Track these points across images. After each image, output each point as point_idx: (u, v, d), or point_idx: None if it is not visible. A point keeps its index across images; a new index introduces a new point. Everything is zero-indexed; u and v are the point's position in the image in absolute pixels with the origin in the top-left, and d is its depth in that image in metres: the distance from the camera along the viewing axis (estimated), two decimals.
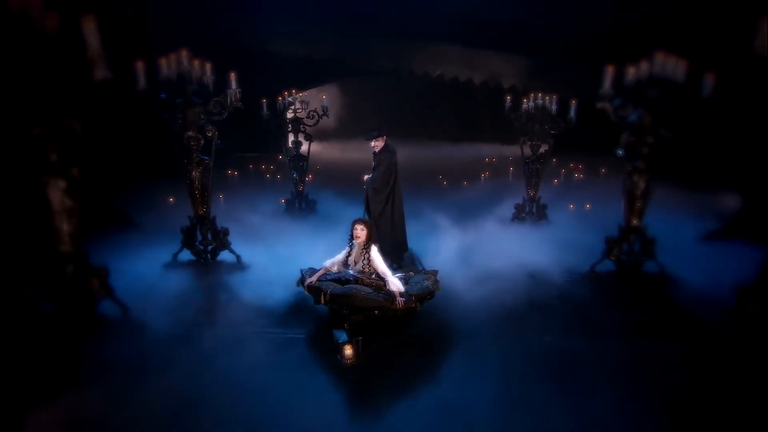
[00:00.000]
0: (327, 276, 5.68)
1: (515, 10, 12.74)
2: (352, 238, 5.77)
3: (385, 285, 5.47)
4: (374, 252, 5.67)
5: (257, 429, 4.04)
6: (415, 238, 7.71)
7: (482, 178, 14.48)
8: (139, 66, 6.51)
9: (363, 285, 5.44)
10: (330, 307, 5.43)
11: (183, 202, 8.07)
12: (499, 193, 11.46)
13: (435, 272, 6.11)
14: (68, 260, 5.62)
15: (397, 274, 5.89)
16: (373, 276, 5.59)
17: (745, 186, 8.65)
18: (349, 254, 5.82)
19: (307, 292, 5.62)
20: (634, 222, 7.14)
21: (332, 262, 5.84)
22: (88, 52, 4.96)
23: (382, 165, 6.97)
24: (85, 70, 5.03)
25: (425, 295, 5.59)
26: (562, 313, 6.13)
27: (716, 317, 5.71)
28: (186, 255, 7.69)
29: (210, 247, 7.68)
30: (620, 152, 6.89)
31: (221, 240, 7.68)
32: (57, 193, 5.43)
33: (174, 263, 7.62)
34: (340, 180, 12.50)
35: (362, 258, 5.68)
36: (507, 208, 10.17)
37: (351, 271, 5.69)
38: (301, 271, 6.01)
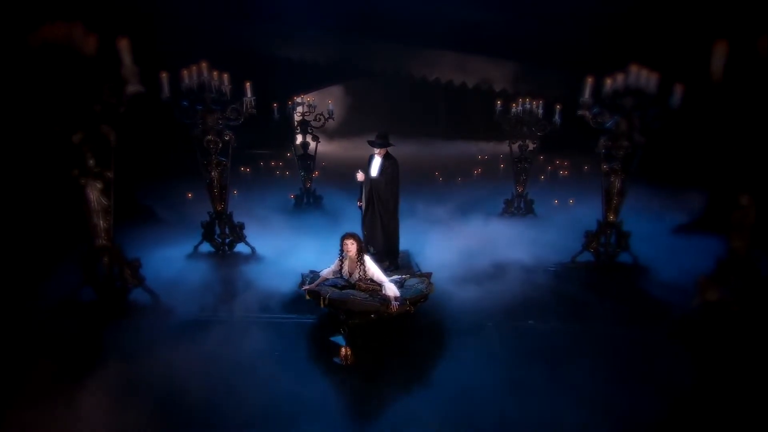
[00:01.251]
0: (326, 282, 5.66)
1: (505, 20, 12.94)
2: (342, 251, 5.63)
3: (381, 290, 5.43)
4: (368, 261, 5.61)
5: (266, 409, 4.23)
6: (410, 233, 7.84)
7: (475, 174, 14.71)
8: (163, 77, 6.75)
9: (360, 290, 5.45)
10: (329, 310, 5.45)
11: (201, 199, 8.28)
12: (490, 189, 11.68)
13: (429, 275, 6.16)
14: (104, 253, 5.89)
15: (394, 277, 5.88)
16: (369, 281, 5.54)
17: (711, 185, 8.87)
18: (341, 266, 5.70)
19: (307, 297, 5.55)
20: (611, 217, 7.36)
21: (327, 271, 5.75)
22: (123, 69, 5.24)
23: (390, 168, 6.77)
24: (120, 85, 5.30)
25: (419, 299, 5.55)
26: (545, 299, 6.36)
27: (681, 304, 5.85)
28: (206, 247, 7.91)
29: (227, 240, 7.91)
30: (603, 150, 7.10)
31: (237, 233, 7.91)
32: (94, 194, 5.71)
33: (195, 254, 7.84)
34: (344, 176, 12.65)
35: (357, 269, 5.58)
36: (497, 204, 10.37)
37: (345, 277, 5.65)
38: (302, 275, 6.03)
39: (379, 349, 5.19)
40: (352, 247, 5.54)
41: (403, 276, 6.08)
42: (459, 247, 7.87)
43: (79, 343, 5.14)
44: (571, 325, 5.78)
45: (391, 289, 5.40)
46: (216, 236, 7.92)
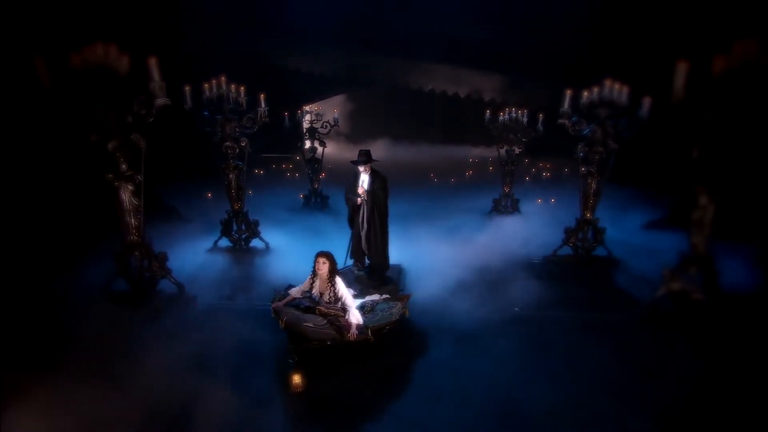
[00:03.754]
0: (292, 302, 5.01)
1: (494, 36, 13.09)
2: (314, 269, 4.99)
3: (344, 315, 4.82)
4: (339, 283, 4.97)
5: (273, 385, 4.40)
6: (406, 231, 7.92)
7: (466, 175, 14.82)
8: (187, 89, 6.88)
9: (320, 314, 4.82)
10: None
11: (220, 199, 8.41)
12: (480, 189, 11.74)
13: (407, 297, 5.57)
14: (135, 248, 6.03)
15: (366, 299, 5.42)
16: (339, 304, 4.91)
17: (679, 185, 8.98)
18: (312, 285, 5.05)
19: (273, 315, 4.91)
20: (588, 215, 7.48)
21: (297, 290, 5.11)
22: (151, 84, 5.38)
23: (380, 182, 6.22)
24: (149, 98, 5.45)
25: (384, 326, 4.96)
26: (530, 289, 6.44)
27: (650, 292, 5.96)
28: (224, 242, 8.03)
29: (244, 236, 8.04)
30: (581, 155, 7.21)
31: (253, 230, 8.05)
32: (126, 195, 5.85)
33: (215, 249, 7.96)
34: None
35: (328, 290, 4.94)
36: (486, 202, 10.46)
37: (315, 297, 5.00)
38: (275, 290, 5.38)
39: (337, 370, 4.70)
40: (323, 266, 4.91)
41: (376, 299, 5.45)
42: (452, 242, 7.98)
43: (115, 329, 5.26)
44: (556, 312, 5.89)
45: (354, 316, 4.84)
46: (233, 232, 8.04)
